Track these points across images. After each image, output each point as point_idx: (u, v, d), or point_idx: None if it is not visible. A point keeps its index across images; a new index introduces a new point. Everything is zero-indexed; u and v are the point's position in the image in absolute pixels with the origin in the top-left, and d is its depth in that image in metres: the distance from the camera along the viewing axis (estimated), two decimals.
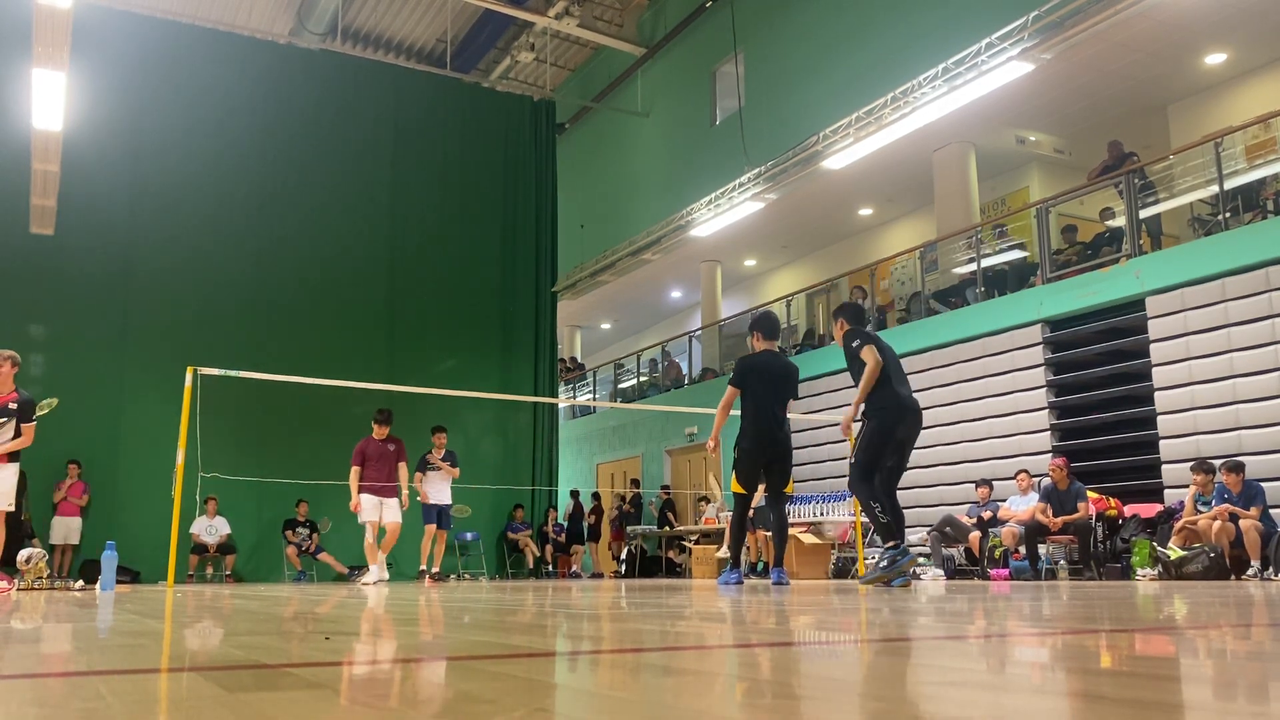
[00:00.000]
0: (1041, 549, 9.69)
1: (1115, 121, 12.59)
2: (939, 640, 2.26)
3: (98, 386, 12.35)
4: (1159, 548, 8.64)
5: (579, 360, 22.86)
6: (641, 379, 19.45)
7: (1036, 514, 9.49)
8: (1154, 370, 9.67)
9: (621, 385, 19.97)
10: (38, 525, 11.63)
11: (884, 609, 3.60)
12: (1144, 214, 10.44)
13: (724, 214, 14.94)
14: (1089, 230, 11.38)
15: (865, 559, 10.45)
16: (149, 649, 2.22)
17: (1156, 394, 9.61)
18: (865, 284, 13.91)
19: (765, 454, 7.03)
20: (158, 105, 13.34)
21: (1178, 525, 8.62)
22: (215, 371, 9.03)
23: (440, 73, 16.46)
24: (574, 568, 15.69)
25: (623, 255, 17.55)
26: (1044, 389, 10.73)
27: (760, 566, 11.59)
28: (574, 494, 16.55)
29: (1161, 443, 9.54)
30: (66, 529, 11.86)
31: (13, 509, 7.60)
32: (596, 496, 16.93)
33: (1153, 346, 9.69)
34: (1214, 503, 8.42)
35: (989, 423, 11.25)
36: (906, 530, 9.23)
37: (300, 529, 12.78)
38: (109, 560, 7.58)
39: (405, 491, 9.79)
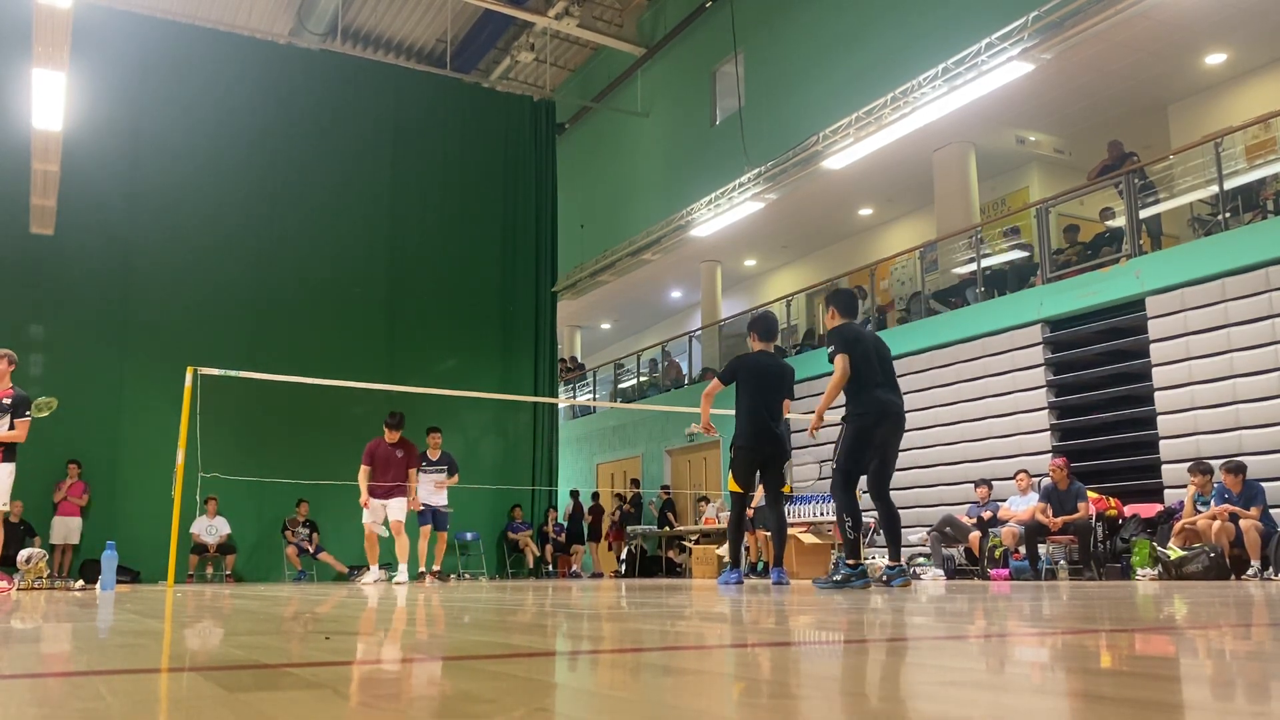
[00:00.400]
0: (1041, 549, 9.69)
1: (1115, 121, 12.59)
2: (939, 640, 2.26)
3: (98, 386, 12.35)
4: (1159, 548, 8.64)
5: (579, 360, 22.86)
6: (641, 379, 19.45)
7: (1036, 514, 9.49)
8: (1154, 370, 9.66)
9: (621, 385, 19.97)
10: (38, 525, 11.64)
11: (884, 609, 3.60)
12: (1144, 214, 10.43)
13: (724, 214, 14.94)
14: (1089, 230, 11.38)
15: (866, 559, 10.43)
16: (149, 649, 2.22)
17: (1156, 394, 9.61)
18: (865, 284, 13.92)
19: (760, 453, 7.10)
20: (157, 105, 13.33)
21: (1177, 525, 8.62)
22: (215, 371, 9.04)
23: (440, 73, 16.46)
24: (574, 568, 15.69)
25: (623, 255, 17.55)
26: (1044, 389, 10.73)
27: (760, 566, 11.60)
28: (574, 494, 16.56)
29: (1161, 443, 9.53)
30: (66, 529, 11.86)
31: (7, 509, 7.61)
32: (595, 496, 16.93)
33: (1153, 346, 9.69)
34: (1213, 503, 8.41)
35: (989, 423, 11.25)
36: (906, 530, 9.26)
37: (300, 529, 12.78)
38: (109, 560, 7.59)
39: (413, 494, 9.90)
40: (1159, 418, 9.57)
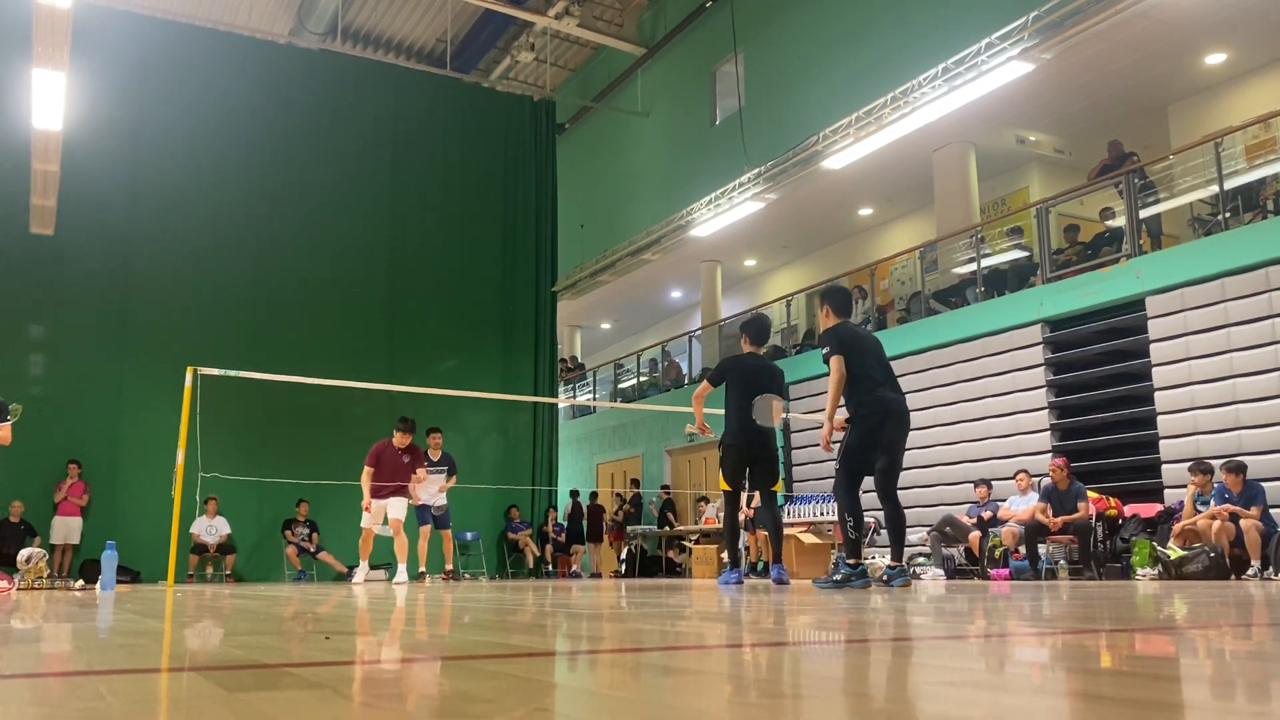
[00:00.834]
0: (1041, 549, 9.69)
1: (1115, 121, 12.59)
2: (939, 640, 2.26)
3: (98, 386, 12.35)
4: (1159, 547, 8.64)
5: (579, 360, 22.86)
6: (641, 379, 19.45)
7: (1036, 514, 9.49)
8: (1154, 370, 9.66)
9: (621, 385, 19.97)
10: (38, 525, 11.64)
11: (884, 609, 3.60)
12: (1144, 214, 10.43)
13: (724, 214, 14.94)
14: (1089, 230, 11.38)
15: (866, 558, 10.43)
16: (149, 649, 2.22)
17: (1156, 394, 9.61)
18: (865, 284, 13.92)
19: (748, 452, 7.16)
20: (157, 105, 13.33)
21: (1178, 525, 8.62)
22: (215, 371, 9.04)
23: (440, 73, 16.46)
24: (574, 567, 15.69)
25: (623, 255, 17.55)
26: (1044, 389, 10.73)
27: (760, 566, 11.61)
28: (574, 494, 16.56)
29: (1161, 443, 9.53)
30: (66, 529, 11.86)
31: None
32: (594, 496, 16.93)
33: (1153, 346, 9.69)
34: (1213, 503, 8.41)
35: (989, 423, 11.25)
36: (907, 530, 9.25)
37: (300, 529, 12.78)
38: (109, 560, 7.59)
39: (414, 493, 9.89)
40: (1159, 418, 9.57)
